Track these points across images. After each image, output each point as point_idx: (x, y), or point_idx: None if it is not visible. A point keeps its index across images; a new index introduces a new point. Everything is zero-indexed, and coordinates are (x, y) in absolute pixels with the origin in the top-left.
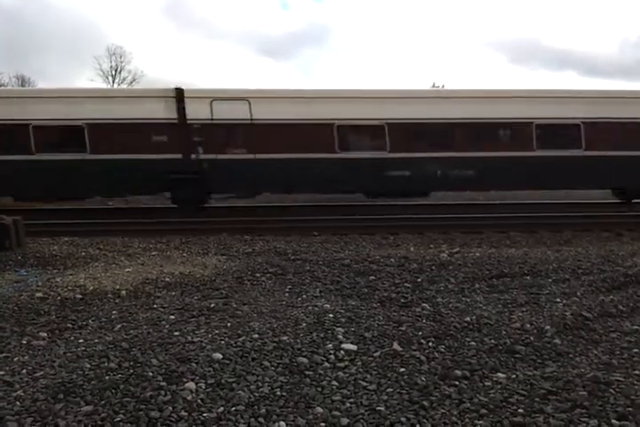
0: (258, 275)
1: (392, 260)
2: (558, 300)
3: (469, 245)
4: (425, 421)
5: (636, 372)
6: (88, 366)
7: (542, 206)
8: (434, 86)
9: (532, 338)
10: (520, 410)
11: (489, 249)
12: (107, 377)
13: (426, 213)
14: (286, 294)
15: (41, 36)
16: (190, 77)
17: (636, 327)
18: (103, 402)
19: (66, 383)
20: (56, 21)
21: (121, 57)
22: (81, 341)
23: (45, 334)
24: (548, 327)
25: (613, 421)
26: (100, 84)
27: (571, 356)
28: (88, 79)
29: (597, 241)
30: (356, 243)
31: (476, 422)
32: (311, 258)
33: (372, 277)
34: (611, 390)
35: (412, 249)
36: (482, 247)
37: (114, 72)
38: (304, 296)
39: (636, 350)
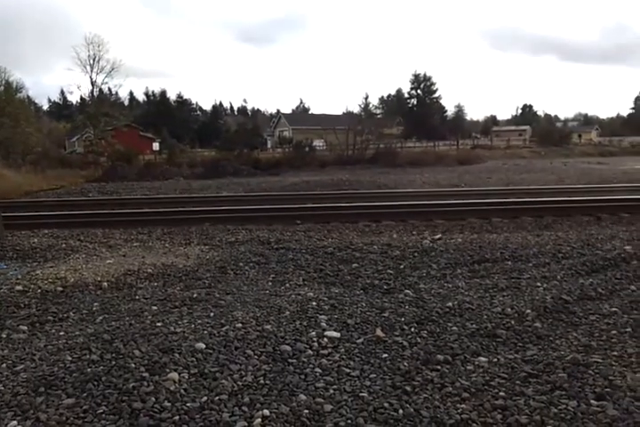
0: (241, 264)
1: (375, 247)
2: (539, 284)
3: (451, 231)
4: (408, 405)
5: (615, 353)
6: (69, 358)
7: (525, 192)
8: (415, 74)
9: (512, 322)
10: (501, 393)
11: (471, 235)
12: (88, 369)
13: (408, 201)
14: (269, 283)
15: (15, 25)
16: (169, 65)
17: (614, 309)
18: (85, 394)
19: (47, 376)
20: (30, 9)
21: (99, 46)
22: (62, 333)
23: (26, 328)
24: (528, 311)
25: (592, 401)
26: (78, 73)
27: (551, 339)
28: (65, 68)
29: (577, 225)
30: (339, 231)
31: (458, 405)
32: (294, 246)
33: (355, 265)
34: (590, 372)
35: (394, 236)
36: (464, 233)
37: (92, 61)
38: (287, 285)
39: (614, 332)
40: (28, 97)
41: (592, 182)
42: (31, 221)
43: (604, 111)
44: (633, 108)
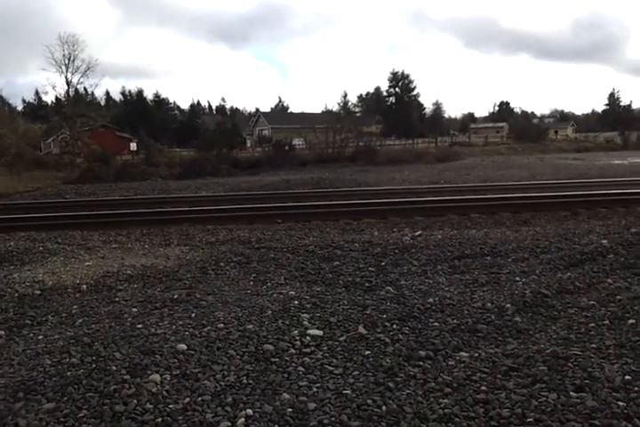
0: (222, 264)
1: (356, 245)
2: (518, 278)
3: (431, 227)
4: (391, 402)
5: (593, 346)
6: (49, 362)
7: (503, 188)
8: (393, 72)
9: (493, 317)
10: (483, 387)
11: (450, 231)
12: (69, 373)
13: (388, 198)
14: (251, 283)
15: None
16: (145, 64)
17: (592, 303)
18: (66, 398)
19: (26, 381)
20: (1, 8)
21: (74, 45)
22: (41, 337)
23: (3, 332)
24: (508, 306)
25: (572, 393)
26: (52, 73)
27: (531, 333)
28: (40, 68)
29: (555, 220)
30: (320, 229)
31: (440, 400)
32: (275, 246)
33: (337, 263)
34: (569, 365)
35: (375, 234)
36: (443, 230)
37: (67, 61)
38: (269, 284)
39: (592, 325)
40: (2, 97)
41: (569, 178)
42: (7, 224)
43: (580, 108)
44: (607, 105)
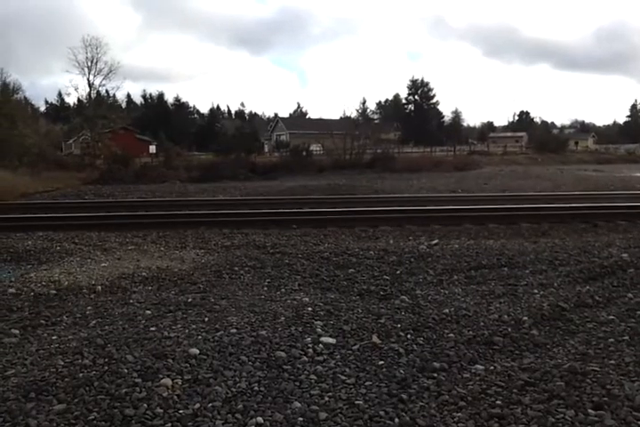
0: (236, 269)
1: (371, 252)
2: (535, 291)
3: (448, 236)
4: (404, 414)
5: (612, 362)
6: (61, 363)
7: (521, 199)
8: (412, 80)
9: (509, 329)
10: (498, 402)
11: (467, 241)
12: (80, 374)
13: (405, 206)
14: (265, 288)
15: (11, 25)
16: (163, 69)
17: (611, 317)
18: (76, 400)
19: (38, 382)
20: (27, 10)
21: (97, 48)
22: (54, 337)
23: (17, 331)
24: (525, 318)
25: (590, 411)
26: (75, 75)
27: (548, 347)
28: (63, 70)
29: (574, 232)
30: (335, 236)
31: (454, 414)
32: (290, 251)
33: (352, 270)
34: (587, 381)
35: (391, 241)
36: (460, 239)
37: (90, 63)
38: (283, 290)
39: (611, 340)
40: (25, 98)
41: (589, 189)
42: (26, 223)
43: (601, 119)
44: (629, 116)
